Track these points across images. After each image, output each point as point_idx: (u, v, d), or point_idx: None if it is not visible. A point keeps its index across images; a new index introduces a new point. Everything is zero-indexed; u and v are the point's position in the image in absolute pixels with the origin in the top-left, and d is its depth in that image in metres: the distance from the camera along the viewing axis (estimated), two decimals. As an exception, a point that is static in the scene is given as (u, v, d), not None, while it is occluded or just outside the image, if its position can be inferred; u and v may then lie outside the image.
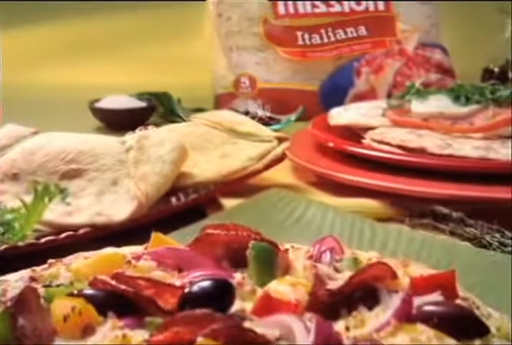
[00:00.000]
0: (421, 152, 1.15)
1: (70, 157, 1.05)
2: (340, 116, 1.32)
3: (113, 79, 1.95)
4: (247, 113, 1.56)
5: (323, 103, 1.67)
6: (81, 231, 0.95)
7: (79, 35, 2.14)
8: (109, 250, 0.81)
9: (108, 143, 1.08)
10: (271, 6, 1.70)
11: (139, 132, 1.14)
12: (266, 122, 1.53)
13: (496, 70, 1.75)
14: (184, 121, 1.53)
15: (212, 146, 1.17)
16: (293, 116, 1.55)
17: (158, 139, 1.08)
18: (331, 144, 1.23)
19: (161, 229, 0.98)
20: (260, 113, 1.57)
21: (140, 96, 1.69)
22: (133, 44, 2.12)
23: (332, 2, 1.72)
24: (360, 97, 1.69)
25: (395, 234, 0.88)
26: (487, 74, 1.76)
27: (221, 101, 1.72)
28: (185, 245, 0.79)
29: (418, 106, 1.27)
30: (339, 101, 1.67)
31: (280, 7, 1.70)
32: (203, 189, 1.07)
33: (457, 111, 1.23)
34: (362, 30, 1.70)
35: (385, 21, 1.72)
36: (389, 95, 1.69)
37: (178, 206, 1.04)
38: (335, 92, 1.69)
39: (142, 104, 1.64)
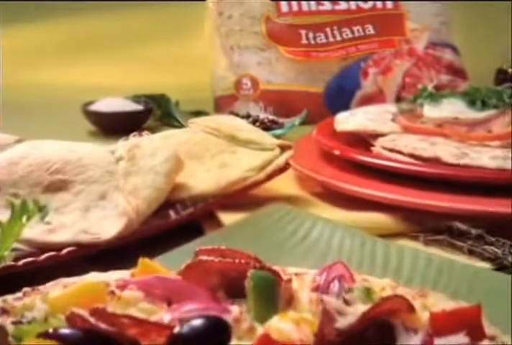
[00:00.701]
0: (435, 161, 1.06)
1: (55, 167, 0.97)
2: (347, 121, 1.23)
3: (110, 80, 1.87)
4: (248, 116, 1.47)
5: (328, 106, 1.60)
6: (64, 251, 0.86)
7: (73, 35, 2.06)
8: (93, 276, 0.73)
9: (97, 152, 1.00)
10: (273, 4, 1.62)
11: (131, 140, 1.05)
12: (268, 127, 1.44)
13: (510, 70, 1.66)
14: (181, 125, 1.46)
15: (210, 155, 1.08)
16: (296, 120, 1.46)
17: (151, 149, 1.00)
18: (337, 152, 1.15)
19: (153, 247, 0.91)
20: (262, 116, 1.49)
21: (136, 99, 1.61)
22: (130, 44, 2.03)
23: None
24: (367, 99, 1.61)
25: (411, 257, 0.79)
26: (501, 75, 1.68)
27: (221, 104, 1.64)
28: (177, 269, 0.71)
29: (430, 111, 1.19)
30: (345, 104, 1.60)
31: (283, 5, 1.62)
32: (200, 202, 0.99)
33: (473, 117, 1.15)
34: (370, 29, 1.63)
35: (393, 20, 1.65)
36: (398, 97, 1.62)
37: (172, 222, 0.96)
38: (341, 94, 1.61)
39: (138, 107, 1.57)
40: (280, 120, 1.50)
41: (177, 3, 2.03)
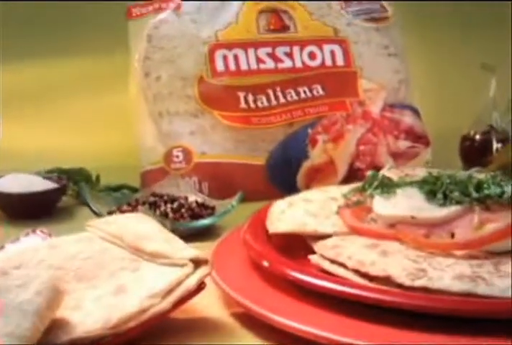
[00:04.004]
0: (385, 281, 0.85)
1: None
2: (281, 217, 1.02)
3: (20, 145, 1.64)
4: (173, 200, 1.25)
5: (272, 179, 1.41)
6: None
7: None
8: None
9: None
10: (208, 62, 1.42)
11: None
12: (197, 213, 1.23)
13: (477, 137, 1.47)
14: (94, 212, 1.24)
15: (106, 275, 0.86)
16: (230, 205, 1.24)
17: (20, 276, 0.78)
18: (265, 264, 0.93)
19: None
20: (191, 199, 1.27)
21: (49, 174, 1.41)
22: (45, 101, 1.76)
23: (281, 57, 1.44)
24: (316, 171, 1.42)
25: None
26: (467, 142, 1.48)
27: (148, 179, 1.43)
28: None
29: (382, 206, 0.98)
30: (291, 177, 1.42)
31: (219, 63, 1.42)
32: (83, 347, 0.77)
33: (433, 215, 0.94)
34: (318, 89, 1.44)
35: (344, 79, 1.46)
36: (351, 169, 1.42)
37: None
38: (285, 166, 1.42)
39: (50, 185, 1.35)
40: (212, 202, 1.28)
41: (103, 54, 1.79)
